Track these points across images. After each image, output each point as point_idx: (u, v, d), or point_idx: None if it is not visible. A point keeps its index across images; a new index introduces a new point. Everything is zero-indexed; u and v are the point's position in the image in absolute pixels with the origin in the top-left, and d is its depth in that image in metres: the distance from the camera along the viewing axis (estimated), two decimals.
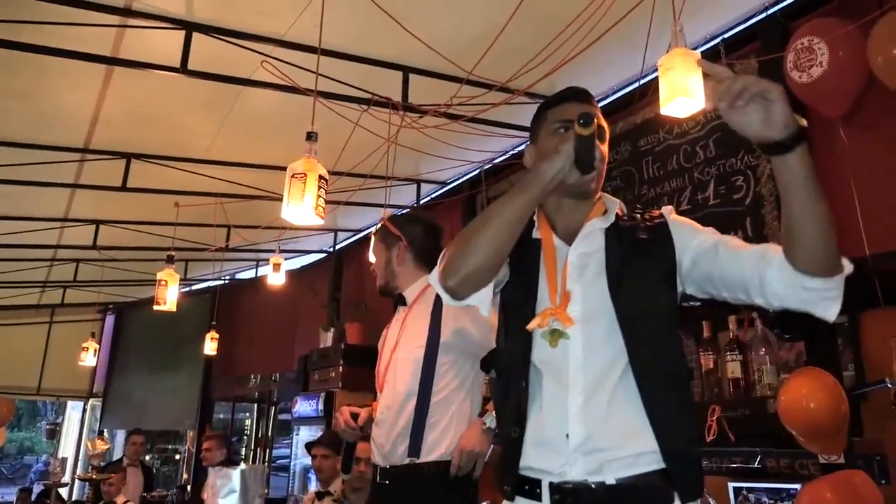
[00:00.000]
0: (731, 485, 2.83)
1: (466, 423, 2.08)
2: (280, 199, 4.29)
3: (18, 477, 19.65)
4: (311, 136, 2.19)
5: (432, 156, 4.04)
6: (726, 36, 3.06)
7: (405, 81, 3.31)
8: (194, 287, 7.86)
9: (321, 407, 5.19)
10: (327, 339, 5.57)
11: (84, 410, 10.14)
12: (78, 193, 4.53)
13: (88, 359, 6.20)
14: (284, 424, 7.69)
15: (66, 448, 10.75)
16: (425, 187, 5.06)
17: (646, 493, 1.22)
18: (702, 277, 1.35)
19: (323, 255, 6.45)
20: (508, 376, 1.39)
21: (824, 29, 2.51)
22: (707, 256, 1.34)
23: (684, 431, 1.27)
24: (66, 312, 8.57)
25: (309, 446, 3.89)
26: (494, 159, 4.38)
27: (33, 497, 8.05)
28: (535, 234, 1.45)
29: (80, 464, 9.34)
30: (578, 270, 1.35)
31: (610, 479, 1.21)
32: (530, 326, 1.32)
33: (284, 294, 6.10)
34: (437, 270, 1.32)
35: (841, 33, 2.43)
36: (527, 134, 3.97)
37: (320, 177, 2.09)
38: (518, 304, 1.39)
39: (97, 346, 6.40)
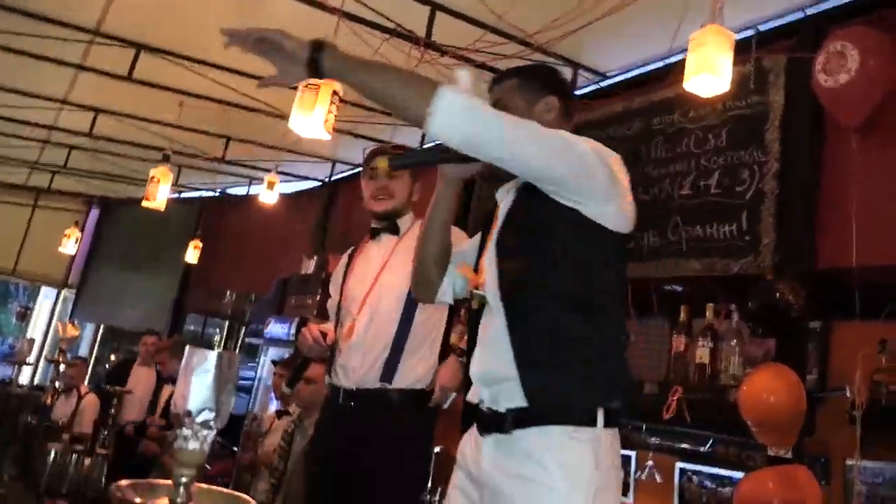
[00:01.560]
0: (678, 465, 2.92)
1: (437, 354, 2.12)
2: (285, 118, 4.26)
3: None
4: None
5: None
6: (761, 29, 3.02)
7: (431, 18, 3.24)
8: (184, 194, 7.80)
9: (293, 332, 5.23)
10: (310, 266, 5.58)
11: (57, 298, 10.15)
12: (81, 76, 4.43)
13: (69, 246, 6.17)
14: (252, 348, 7.76)
15: (35, 332, 10.80)
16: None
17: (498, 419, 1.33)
18: None
19: (318, 183, 6.41)
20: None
21: (858, 36, 2.49)
22: None
23: (545, 357, 1.31)
24: (52, 199, 8.46)
25: (275, 364, 3.94)
26: None
27: None
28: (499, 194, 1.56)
29: (46, 348, 9.37)
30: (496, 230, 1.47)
31: (501, 408, 1.33)
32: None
33: (272, 216, 6.07)
34: None
35: (874, 43, 2.42)
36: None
37: (333, 92, 2.04)
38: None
39: (79, 235, 6.36)
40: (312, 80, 2.04)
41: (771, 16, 3.01)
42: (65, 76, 4.46)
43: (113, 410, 4.27)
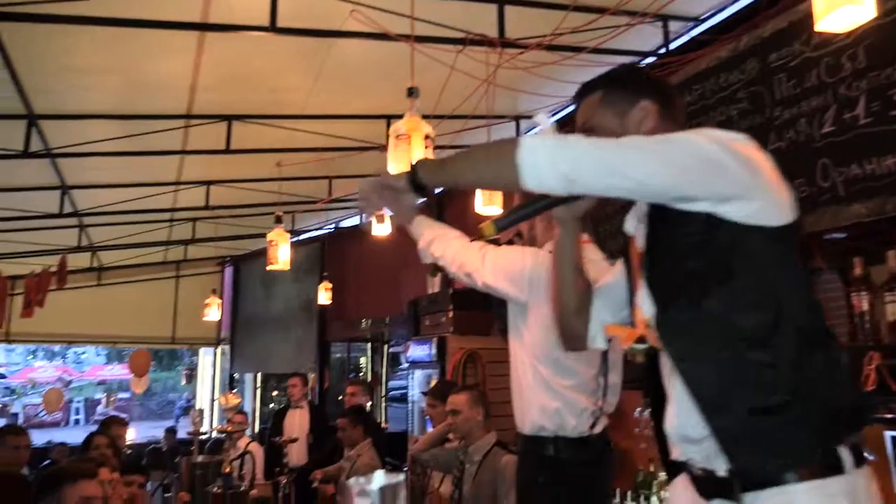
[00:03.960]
0: (888, 434, 2.58)
1: None
2: (378, 149, 4.24)
3: (166, 412, 21.80)
4: (412, 93, 2.03)
5: (532, 94, 3.80)
6: None
7: (500, 14, 3.07)
8: (302, 237, 8.08)
9: (434, 351, 5.23)
10: (434, 284, 5.57)
11: (214, 355, 10.95)
12: (187, 158, 4.66)
13: (212, 314, 6.58)
14: (397, 359, 7.96)
15: (203, 386, 11.75)
16: (525, 126, 4.82)
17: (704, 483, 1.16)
18: None
19: (424, 199, 6.38)
20: None
21: None
22: None
23: (736, 404, 1.10)
24: (189, 267, 9.12)
25: (424, 394, 3.93)
26: None
27: (177, 436, 8.88)
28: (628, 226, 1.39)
29: (214, 405, 10.13)
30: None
31: (720, 471, 1.14)
32: None
33: (389, 240, 6.13)
34: None
35: None
36: (636, 58, 3.67)
37: (426, 135, 1.93)
38: None
39: (219, 302, 6.77)
40: (404, 131, 1.94)
41: None
42: (173, 161, 4.71)
43: (286, 460, 4.50)
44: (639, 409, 3.77)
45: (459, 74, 3.25)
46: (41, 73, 3.25)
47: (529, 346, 2.05)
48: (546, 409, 2.00)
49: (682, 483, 1.24)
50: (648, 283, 1.23)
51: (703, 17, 3.45)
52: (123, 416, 10.23)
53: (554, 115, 4.54)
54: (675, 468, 1.26)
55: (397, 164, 1.94)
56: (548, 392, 2.00)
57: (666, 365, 1.23)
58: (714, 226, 1.09)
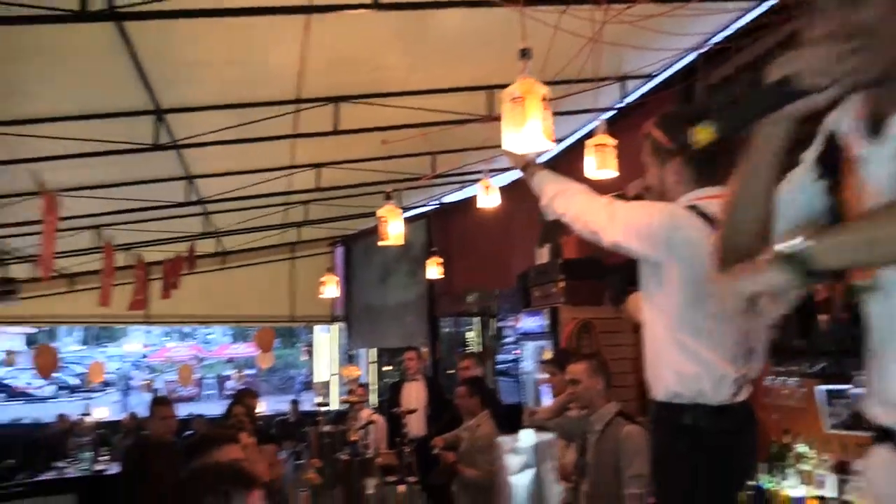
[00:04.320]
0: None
1: None
2: (482, 120, 4.21)
3: (287, 387, 23.11)
4: (525, 54, 1.94)
5: (640, 48, 3.63)
6: None
7: None
8: (407, 214, 8.23)
9: (546, 322, 5.20)
10: (543, 255, 5.51)
11: (330, 332, 11.45)
12: (298, 142, 4.83)
13: (329, 291, 6.86)
14: (504, 333, 7.98)
15: (320, 362, 12.34)
16: (631, 85, 4.64)
17: None
18: None
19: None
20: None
21: None
22: None
23: None
24: (303, 248, 9.54)
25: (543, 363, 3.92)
26: (711, 40, 3.84)
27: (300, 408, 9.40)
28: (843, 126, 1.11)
29: (332, 380, 10.61)
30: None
31: None
32: None
33: (495, 211, 6.11)
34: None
35: None
36: (753, 2, 3.42)
37: (543, 97, 1.87)
38: None
39: (336, 279, 7.04)
40: (518, 94, 1.89)
41: None
42: (285, 147, 4.90)
43: (405, 430, 4.63)
44: (770, 377, 3.58)
45: (562, 37, 3.15)
46: (165, 69, 3.46)
47: (665, 308, 1.90)
48: (683, 375, 1.86)
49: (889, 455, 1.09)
50: None
51: None
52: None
53: (667, 69, 4.33)
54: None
55: (512, 129, 1.89)
56: (685, 356, 1.85)
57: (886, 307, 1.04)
58: None
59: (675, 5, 2.93)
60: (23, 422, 12.30)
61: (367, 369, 10.34)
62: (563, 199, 1.92)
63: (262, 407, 9.35)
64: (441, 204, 8.03)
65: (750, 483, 1.97)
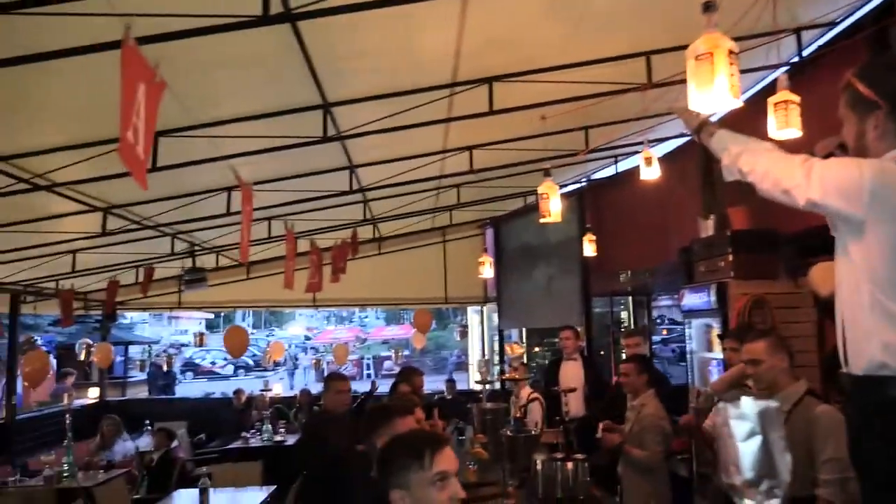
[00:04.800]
0: None
1: None
2: (642, 88, 4.05)
3: (440, 367, 23.86)
4: (709, 7, 1.84)
5: None
6: None
7: None
8: (561, 192, 8.15)
9: (713, 298, 4.92)
10: (708, 227, 5.21)
11: (481, 312, 11.63)
12: (452, 125, 4.92)
13: (486, 271, 6.98)
14: (660, 312, 7.66)
15: (473, 343, 12.60)
16: (807, 36, 4.23)
17: None
18: None
19: (688, 136, 5.99)
20: None
21: None
22: None
23: None
24: (454, 231, 9.77)
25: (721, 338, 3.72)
26: None
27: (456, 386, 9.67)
28: None
29: (485, 358, 10.78)
30: None
31: None
32: None
33: (650, 185, 5.88)
34: None
35: None
36: None
37: (729, 51, 1.76)
38: None
39: (491, 260, 7.15)
40: (704, 50, 1.79)
41: None
42: (438, 131, 5.01)
43: (566, 408, 4.60)
44: None
45: None
46: (330, 64, 3.65)
47: (867, 270, 1.75)
48: (891, 345, 1.70)
49: None
50: None
51: None
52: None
53: (850, 14, 3.90)
54: None
55: (700, 85, 1.79)
56: (892, 324, 1.70)
57: None
58: None
59: None
60: (212, 396, 13.72)
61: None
62: (750, 157, 1.81)
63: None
64: (591, 180, 7.85)
65: None
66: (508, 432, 4.19)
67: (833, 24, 4.12)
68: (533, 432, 4.23)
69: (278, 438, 8.02)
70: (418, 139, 5.14)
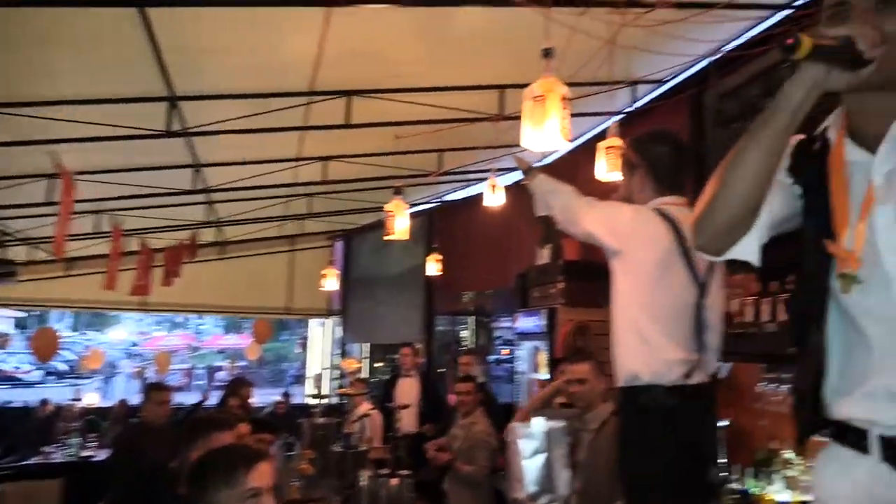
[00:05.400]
0: None
1: None
2: (494, 119, 4.25)
3: (277, 380, 23.09)
4: (548, 53, 2.02)
5: (651, 53, 3.66)
6: None
7: None
8: (411, 210, 8.27)
9: (544, 322, 5.24)
10: (544, 255, 5.55)
11: (324, 326, 11.45)
12: (308, 134, 4.85)
13: (329, 284, 6.88)
14: (499, 333, 8.02)
15: (313, 356, 12.35)
16: (641, 89, 4.68)
17: None
18: None
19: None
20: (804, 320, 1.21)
21: None
22: None
23: None
24: (303, 241, 9.55)
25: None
26: (723, 48, 3.88)
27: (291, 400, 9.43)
28: (830, 134, 1.16)
29: (324, 373, 10.60)
30: (886, 192, 1.06)
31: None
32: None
33: (497, 211, 6.15)
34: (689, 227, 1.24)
35: None
36: (766, 12, 3.47)
37: (563, 97, 1.93)
38: (810, 234, 1.17)
39: (337, 272, 7.07)
40: (540, 92, 1.96)
41: None
42: (294, 138, 4.92)
43: (398, 424, 4.66)
44: (762, 383, 3.63)
45: (578, 40, 3.19)
46: (182, 56, 3.47)
47: (624, 293, 2.15)
48: (640, 359, 2.08)
49: (837, 455, 1.16)
50: None
51: None
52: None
53: (677, 75, 4.37)
54: (841, 434, 1.16)
55: (533, 125, 1.95)
56: (641, 340, 2.08)
57: (873, 306, 1.08)
58: None
59: (693, 11, 2.97)
60: (11, 405, 12.22)
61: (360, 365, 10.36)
62: (554, 195, 2.22)
63: (254, 398, 9.36)
64: (443, 202, 8.07)
65: (719, 473, 2.14)
66: (337, 448, 4.16)
67: (662, 82, 4.59)
68: (361, 448, 4.24)
69: (86, 453, 7.29)
70: (273, 144, 5.01)
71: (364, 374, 10.27)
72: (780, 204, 1.19)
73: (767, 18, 3.52)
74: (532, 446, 2.83)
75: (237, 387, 5.35)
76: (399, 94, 4.12)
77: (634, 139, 2.37)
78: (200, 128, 4.22)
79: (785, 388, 3.45)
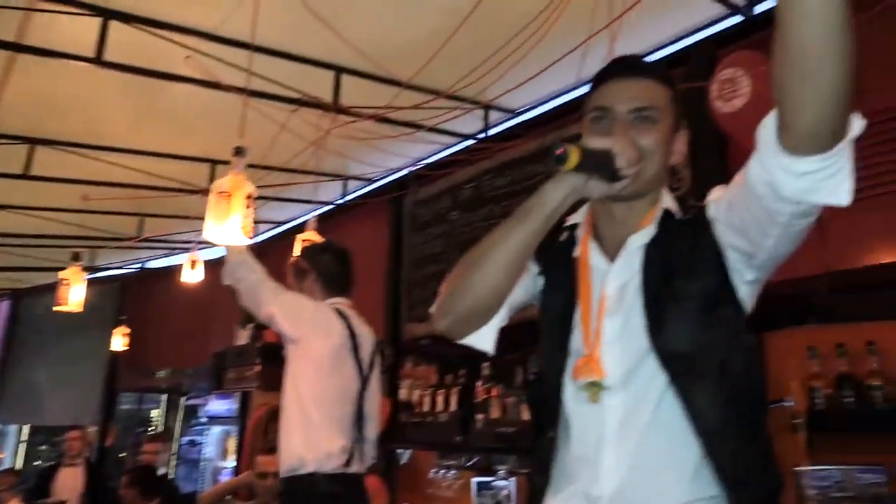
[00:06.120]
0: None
1: None
2: (198, 192, 4.13)
3: None
4: (239, 152, 2.08)
5: (358, 161, 3.98)
6: (658, 56, 3.13)
7: (337, 82, 3.23)
8: (100, 275, 7.43)
9: (237, 406, 5.05)
10: (243, 336, 5.41)
11: None
12: None
13: None
14: (195, 413, 7.46)
15: None
16: (352, 184, 4.98)
17: None
18: (744, 256, 1.06)
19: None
20: (539, 415, 1.23)
21: (747, 61, 2.60)
22: (731, 226, 1.06)
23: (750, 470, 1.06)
24: None
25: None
26: (421, 162, 4.36)
27: None
28: (575, 250, 1.20)
29: None
30: (616, 303, 1.11)
31: None
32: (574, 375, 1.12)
33: (199, 286, 5.85)
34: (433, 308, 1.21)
35: (761, 69, 2.54)
36: (455, 139, 4.02)
37: (248, 195, 1.99)
38: (549, 338, 1.19)
39: None
40: (226, 188, 2.00)
41: (668, 40, 3.10)
42: None
43: None
44: (434, 470, 3.94)
45: (292, 134, 3.34)
46: None
47: (297, 379, 2.26)
48: (304, 441, 2.19)
49: None
50: (652, 299, 1.07)
51: (519, 111, 3.86)
52: None
53: (384, 177, 4.75)
54: None
55: (216, 219, 1.97)
56: (306, 422, 2.20)
57: (612, 409, 1.07)
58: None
59: (393, 128, 3.32)
60: None
61: (16, 450, 8.75)
62: (246, 270, 2.28)
63: None
64: (143, 268, 7.43)
65: None
66: None
67: (371, 181, 4.94)
68: None
69: None
70: None
71: (20, 462, 8.65)
72: (521, 288, 1.21)
73: (455, 145, 4.08)
74: None
75: None
76: (96, 151, 3.81)
77: (305, 248, 2.73)
78: None
79: (452, 474, 3.78)
